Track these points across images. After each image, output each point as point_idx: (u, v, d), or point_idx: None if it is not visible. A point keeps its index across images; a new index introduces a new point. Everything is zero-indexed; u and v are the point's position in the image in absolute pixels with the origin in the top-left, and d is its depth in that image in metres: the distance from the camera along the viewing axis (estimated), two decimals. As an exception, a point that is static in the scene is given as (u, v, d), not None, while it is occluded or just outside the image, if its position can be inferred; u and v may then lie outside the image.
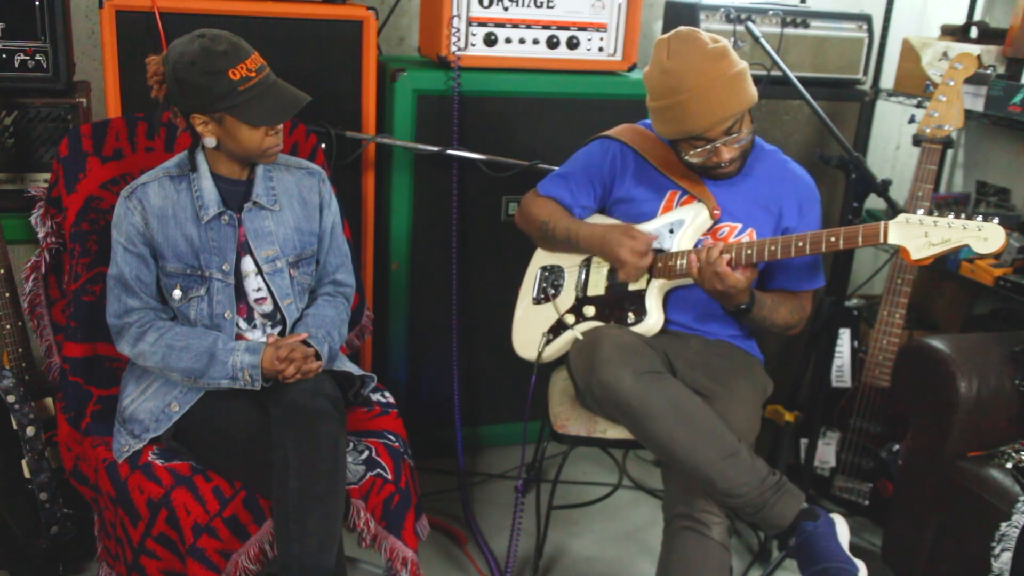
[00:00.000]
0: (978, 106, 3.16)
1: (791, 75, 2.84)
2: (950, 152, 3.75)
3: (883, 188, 2.56)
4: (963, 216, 2.05)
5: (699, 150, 2.38)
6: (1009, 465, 2.49)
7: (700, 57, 2.27)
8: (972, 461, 2.55)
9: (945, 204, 3.46)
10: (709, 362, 2.46)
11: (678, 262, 2.41)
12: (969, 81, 3.04)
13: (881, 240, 2.11)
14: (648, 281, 2.47)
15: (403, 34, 3.57)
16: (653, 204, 2.53)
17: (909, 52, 3.49)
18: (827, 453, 3.16)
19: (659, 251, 2.47)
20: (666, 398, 2.26)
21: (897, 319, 3.01)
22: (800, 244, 2.24)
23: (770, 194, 2.51)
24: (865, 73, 3.54)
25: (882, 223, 2.12)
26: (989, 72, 3.23)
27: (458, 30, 3.04)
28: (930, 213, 2.10)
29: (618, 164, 2.58)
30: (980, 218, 2.02)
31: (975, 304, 3.49)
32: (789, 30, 3.39)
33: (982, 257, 3.07)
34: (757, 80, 2.44)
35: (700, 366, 2.45)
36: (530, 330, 2.63)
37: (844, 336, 3.17)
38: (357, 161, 3.02)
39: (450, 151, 3.02)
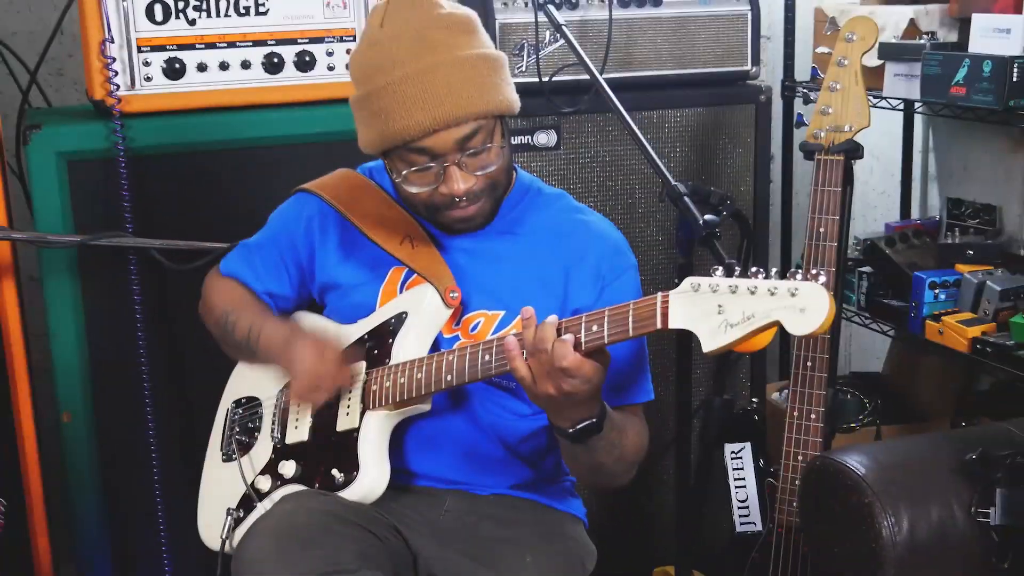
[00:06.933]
0: (913, 92, 2.49)
1: (596, 73, 1.90)
2: (917, 161, 3.07)
3: (706, 231, 1.81)
4: (774, 274, 1.40)
5: (419, 171, 1.68)
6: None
7: (426, 23, 1.68)
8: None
9: (903, 237, 2.75)
10: (474, 532, 1.81)
11: (414, 375, 1.71)
12: (897, 58, 2.51)
13: (660, 324, 1.47)
14: (361, 416, 1.74)
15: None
16: (370, 291, 1.86)
17: (826, 27, 2.71)
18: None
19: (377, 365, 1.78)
20: None
21: (813, 420, 2.12)
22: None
23: (549, 261, 1.81)
24: (755, 62, 2.70)
25: (659, 296, 1.48)
26: (922, 42, 2.48)
27: (115, 60, 2.13)
28: (797, 269, 1.42)
29: (316, 232, 1.90)
30: (799, 276, 1.37)
31: (979, 378, 2.78)
32: (632, 12, 2.54)
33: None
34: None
35: (457, 541, 1.79)
36: (215, 503, 1.90)
37: (745, 454, 2.22)
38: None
39: (101, 241, 2.09)
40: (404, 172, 1.70)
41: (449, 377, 1.65)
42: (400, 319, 1.77)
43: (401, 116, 1.63)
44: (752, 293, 1.40)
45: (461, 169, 1.67)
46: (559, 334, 1.51)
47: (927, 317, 2.46)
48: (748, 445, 2.31)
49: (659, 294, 1.47)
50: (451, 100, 1.63)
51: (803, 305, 1.35)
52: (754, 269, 1.40)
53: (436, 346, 1.78)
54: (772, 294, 1.38)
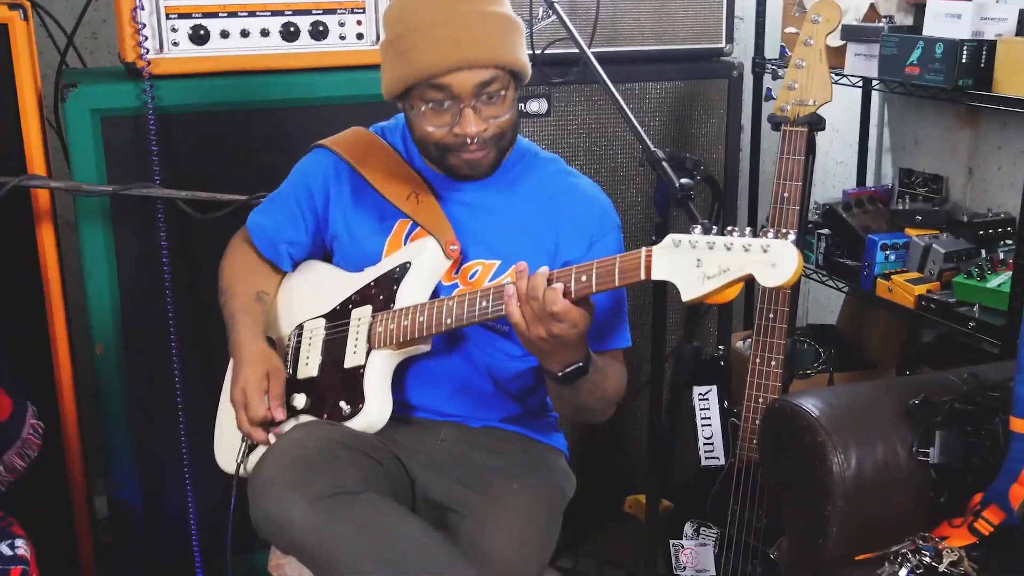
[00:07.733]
0: (871, 70, 2.60)
1: (584, 47, 2.07)
2: (873, 134, 3.12)
3: (681, 193, 1.89)
4: (747, 232, 1.45)
5: (436, 110, 1.75)
6: (904, 572, 1.84)
7: None
8: (859, 568, 1.90)
9: (858, 203, 2.84)
10: (467, 461, 1.89)
11: (416, 319, 1.79)
12: (858, 39, 2.59)
13: (643, 276, 1.53)
14: (367, 354, 1.84)
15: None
16: (377, 241, 1.94)
17: (794, 9, 2.81)
18: (703, 557, 2.37)
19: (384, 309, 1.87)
20: (357, 531, 1.65)
21: (773, 367, 2.27)
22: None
23: (542, 218, 1.90)
24: (729, 40, 2.80)
25: (644, 251, 1.54)
26: (880, 25, 2.58)
27: (145, 25, 2.26)
28: (766, 227, 1.47)
29: (331, 184, 1.98)
30: (770, 234, 1.43)
31: (922, 332, 2.85)
32: (618, -9, 2.64)
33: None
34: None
35: (451, 468, 1.87)
36: (231, 431, 1.96)
37: (711, 396, 2.39)
38: (24, 213, 2.24)
39: (131, 191, 2.23)
40: (423, 109, 1.76)
41: (449, 320, 1.74)
42: (404, 268, 1.85)
43: (429, 52, 1.70)
44: (728, 249, 1.46)
45: (476, 113, 1.74)
46: (549, 283, 1.59)
47: (878, 276, 2.55)
48: (714, 388, 2.41)
49: (643, 249, 1.53)
50: (477, 44, 1.70)
51: (774, 260, 1.42)
52: (729, 228, 1.45)
53: (436, 293, 1.86)
54: (746, 250, 1.44)
